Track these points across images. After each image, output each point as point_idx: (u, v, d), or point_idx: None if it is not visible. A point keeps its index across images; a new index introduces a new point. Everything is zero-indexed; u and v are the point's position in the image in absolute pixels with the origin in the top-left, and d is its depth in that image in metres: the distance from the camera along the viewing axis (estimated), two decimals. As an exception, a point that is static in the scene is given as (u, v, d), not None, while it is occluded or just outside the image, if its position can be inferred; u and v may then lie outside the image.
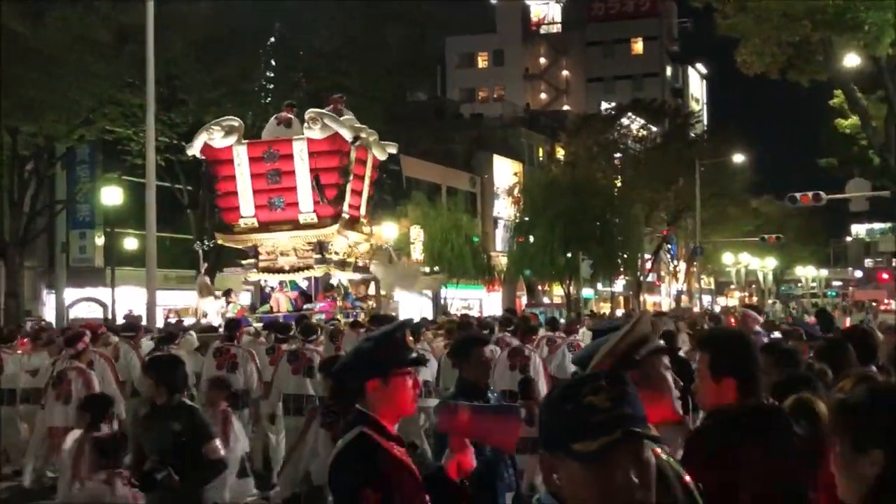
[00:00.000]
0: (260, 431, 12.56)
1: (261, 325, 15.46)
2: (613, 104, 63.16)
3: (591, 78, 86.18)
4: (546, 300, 53.87)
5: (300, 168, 18.11)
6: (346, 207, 18.58)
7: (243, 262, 19.19)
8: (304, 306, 17.81)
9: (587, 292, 53.57)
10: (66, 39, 23.39)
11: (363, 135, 18.83)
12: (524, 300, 53.48)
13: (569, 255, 45.78)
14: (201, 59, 27.13)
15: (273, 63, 31.16)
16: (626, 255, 50.11)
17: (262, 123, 30.65)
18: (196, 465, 6.02)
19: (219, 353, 12.19)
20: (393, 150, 21.14)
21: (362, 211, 19.84)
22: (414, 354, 3.94)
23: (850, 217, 48.50)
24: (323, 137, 17.84)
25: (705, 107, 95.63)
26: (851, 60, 26.93)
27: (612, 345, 3.33)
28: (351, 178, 18.56)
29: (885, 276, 58.06)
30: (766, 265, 72.31)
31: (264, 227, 18.58)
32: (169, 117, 26.55)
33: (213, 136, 18.44)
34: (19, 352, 13.45)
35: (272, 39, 30.83)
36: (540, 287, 55.41)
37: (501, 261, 51.15)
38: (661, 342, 3.53)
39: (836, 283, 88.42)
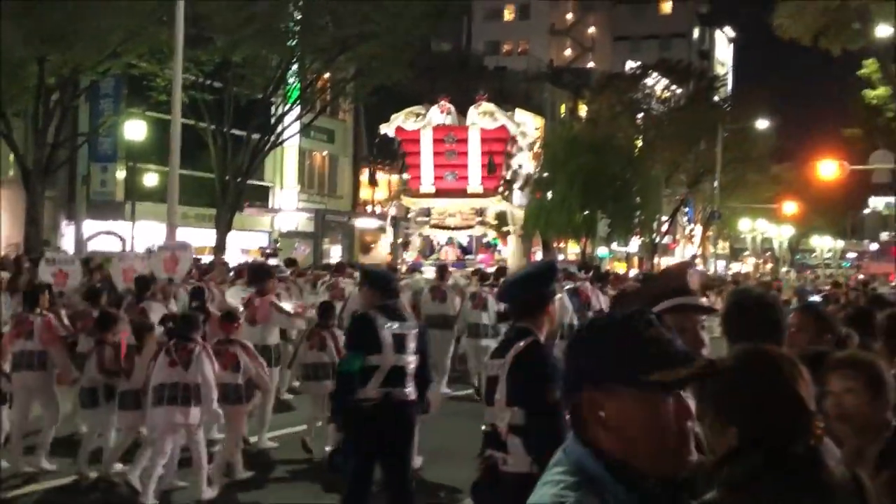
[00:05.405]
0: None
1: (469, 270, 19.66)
2: (639, 63, 62.63)
3: (618, 36, 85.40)
4: (560, 257, 53.83)
5: (473, 150, 22.68)
6: (502, 183, 23.42)
7: (418, 218, 23.68)
8: (466, 257, 22.44)
9: (602, 251, 53.51)
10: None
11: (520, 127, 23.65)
12: (538, 255, 53.40)
13: (586, 212, 45.69)
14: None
15: (301, 4, 30.90)
16: (643, 216, 49.99)
17: (287, 65, 30.80)
18: None
19: (433, 290, 16.40)
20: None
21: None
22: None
23: (870, 189, 48.21)
24: (493, 128, 22.61)
25: (731, 71, 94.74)
26: (884, 31, 26.64)
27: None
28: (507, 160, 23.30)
29: (899, 249, 57.79)
30: (781, 233, 71.98)
31: (439, 193, 23.08)
32: (195, 55, 26.45)
33: (407, 121, 22.99)
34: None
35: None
36: (555, 243, 55.34)
37: (518, 214, 50.95)
38: (690, 299, 3.46)
39: (851, 255, 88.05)
